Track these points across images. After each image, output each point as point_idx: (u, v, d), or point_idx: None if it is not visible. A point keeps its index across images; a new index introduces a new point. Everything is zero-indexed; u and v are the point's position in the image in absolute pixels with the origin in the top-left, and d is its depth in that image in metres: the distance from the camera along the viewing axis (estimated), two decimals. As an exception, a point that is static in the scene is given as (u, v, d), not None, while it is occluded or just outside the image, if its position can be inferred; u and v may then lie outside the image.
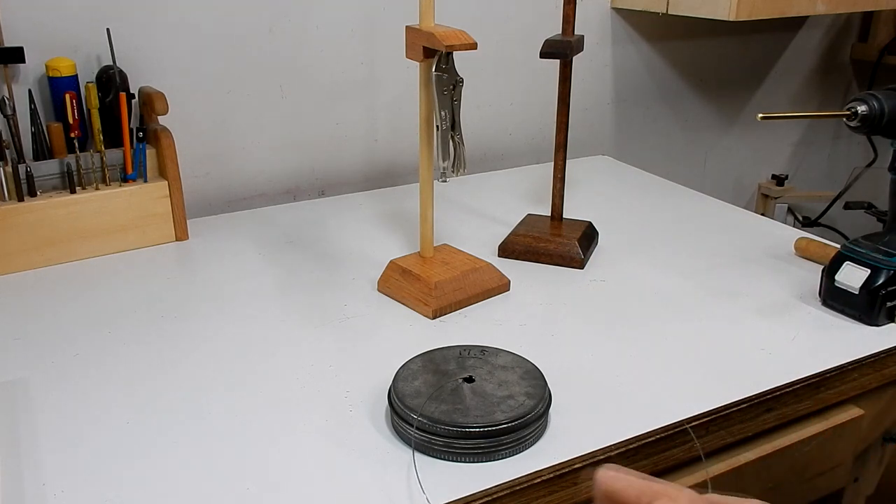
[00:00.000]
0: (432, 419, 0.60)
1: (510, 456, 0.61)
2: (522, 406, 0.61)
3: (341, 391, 0.69)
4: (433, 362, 0.67)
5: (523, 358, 0.69)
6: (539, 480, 0.60)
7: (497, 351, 0.69)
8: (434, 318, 0.82)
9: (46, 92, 0.98)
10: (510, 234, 1.00)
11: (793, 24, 1.64)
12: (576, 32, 0.93)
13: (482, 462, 0.60)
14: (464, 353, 0.69)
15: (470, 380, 0.65)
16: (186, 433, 0.64)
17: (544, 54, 0.90)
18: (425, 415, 0.60)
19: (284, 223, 1.08)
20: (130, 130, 0.97)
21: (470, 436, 0.59)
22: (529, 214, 1.06)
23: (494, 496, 0.58)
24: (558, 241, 0.96)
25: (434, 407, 0.61)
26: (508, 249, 0.98)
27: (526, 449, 0.62)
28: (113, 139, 0.97)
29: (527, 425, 0.61)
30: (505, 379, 0.65)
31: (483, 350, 0.69)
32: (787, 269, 0.94)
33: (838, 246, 0.86)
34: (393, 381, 0.65)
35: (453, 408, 0.61)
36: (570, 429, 0.64)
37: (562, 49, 0.90)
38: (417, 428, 0.60)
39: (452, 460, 0.60)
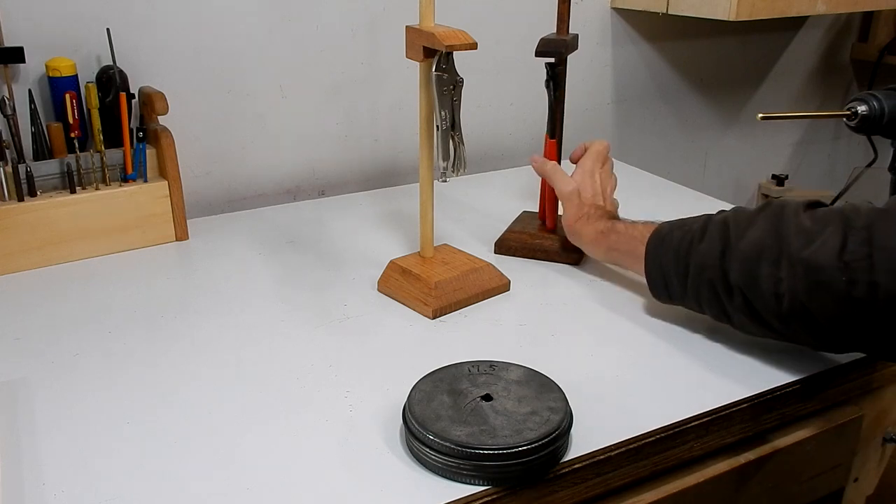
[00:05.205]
0: (459, 443, 0.57)
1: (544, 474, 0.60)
2: (549, 422, 0.59)
3: (341, 391, 0.69)
4: (444, 382, 0.65)
5: (535, 371, 0.67)
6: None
7: (507, 365, 0.67)
8: (434, 318, 0.82)
9: (46, 92, 0.98)
10: (505, 230, 1.00)
11: (793, 24, 1.64)
12: (577, 33, 0.93)
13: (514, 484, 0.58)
14: (473, 370, 0.66)
15: (487, 398, 0.62)
16: (186, 433, 0.64)
17: (539, 53, 0.90)
18: (451, 439, 0.57)
19: (284, 223, 1.08)
20: (130, 130, 0.97)
21: (503, 457, 0.57)
22: (525, 211, 1.06)
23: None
24: (553, 238, 0.97)
25: (460, 430, 0.58)
26: (504, 246, 0.98)
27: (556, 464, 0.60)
28: (113, 139, 0.97)
29: (556, 440, 0.59)
30: (523, 394, 0.63)
31: (492, 365, 0.67)
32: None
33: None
34: (408, 405, 0.62)
35: (479, 429, 0.58)
36: (573, 431, 0.64)
37: (556, 48, 0.90)
38: (446, 454, 0.57)
39: (481, 484, 0.58)
